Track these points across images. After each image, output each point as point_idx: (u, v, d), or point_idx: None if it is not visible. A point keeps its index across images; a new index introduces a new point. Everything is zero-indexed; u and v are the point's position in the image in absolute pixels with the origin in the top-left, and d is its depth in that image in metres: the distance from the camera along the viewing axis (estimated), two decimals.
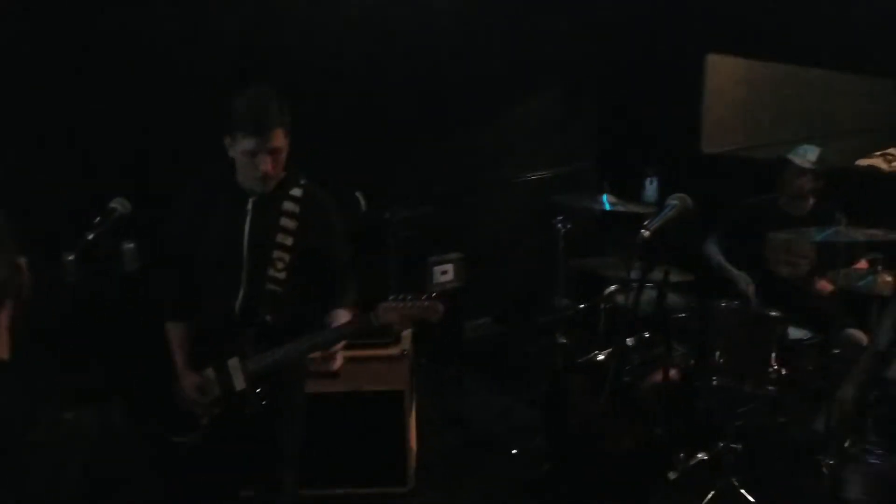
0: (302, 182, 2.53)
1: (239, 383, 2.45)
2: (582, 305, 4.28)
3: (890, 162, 4.54)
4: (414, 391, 3.61)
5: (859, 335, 3.59)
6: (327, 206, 2.58)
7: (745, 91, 5.12)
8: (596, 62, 5.10)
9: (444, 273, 4.41)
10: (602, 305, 3.99)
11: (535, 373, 4.31)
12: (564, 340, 4.11)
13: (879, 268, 3.36)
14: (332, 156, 3.94)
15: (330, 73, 4.05)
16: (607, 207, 3.98)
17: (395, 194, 4.17)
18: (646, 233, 2.33)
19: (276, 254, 2.45)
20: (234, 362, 2.45)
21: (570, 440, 3.54)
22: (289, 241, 2.46)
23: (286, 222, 2.47)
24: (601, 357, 3.66)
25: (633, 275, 2.79)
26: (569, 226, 4.09)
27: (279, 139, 2.37)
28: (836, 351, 3.36)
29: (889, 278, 3.39)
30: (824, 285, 3.66)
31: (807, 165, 3.80)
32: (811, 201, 3.91)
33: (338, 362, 2.51)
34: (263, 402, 2.46)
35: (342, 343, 2.49)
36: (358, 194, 3.69)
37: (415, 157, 4.41)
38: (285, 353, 2.44)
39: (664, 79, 5.00)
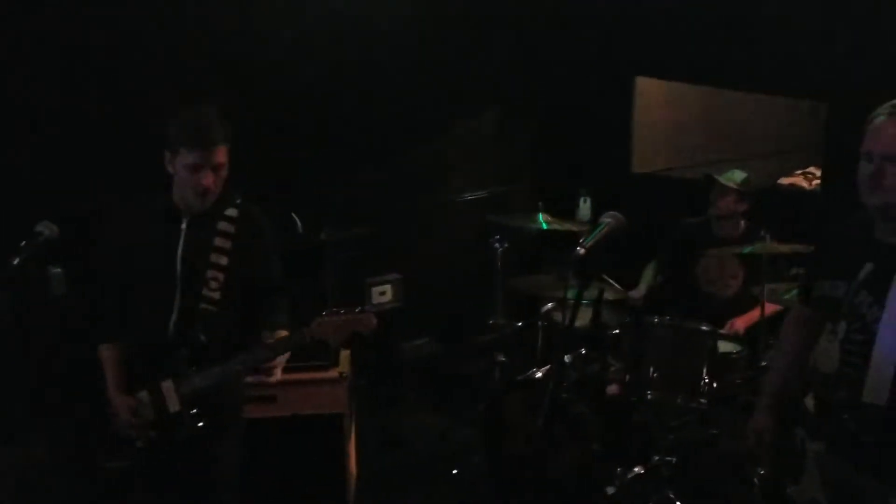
0: (237, 202, 2.52)
1: (173, 405, 2.40)
2: (520, 324, 4.33)
3: (811, 180, 4.73)
4: (353, 413, 3.58)
5: None
6: (262, 227, 2.57)
7: (673, 113, 5.28)
8: (530, 84, 5.19)
9: (383, 294, 4.40)
10: (539, 323, 4.03)
11: (474, 392, 4.32)
12: (503, 359, 4.14)
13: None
14: (268, 176, 3.91)
15: (267, 94, 4.02)
16: (543, 226, 4.05)
17: (332, 215, 4.15)
18: (581, 250, 2.37)
19: (211, 273, 2.43)
20: (167, 384, 2.40)
21: (510, 459, 3.56)
22: (223, 260, 2.44)
23: (221, 242, 2.45)
24: (539, 375, 3.70)
25: (569, 292, 2.84)
26: (506, 245, 4.14)
27: (222, 155, 2.37)
28: (763, 363, 3.47)
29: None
30: (738, 326, 3.77)
31: (731, 185, 3.93)
32: (742, 224, 4.03)
33: (277, 375, 2.50)
34: (199, 424, 2.42)
35: (283, 357, 2.47)
36: (294, 215, 3.66)
37: (352, 178, 4.40)
38: (220, 373, 2.41)
39: (596, 101, 5.12)
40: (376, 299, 4.37)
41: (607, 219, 2.52)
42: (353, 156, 4.38)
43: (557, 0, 5.08)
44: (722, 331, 3.68)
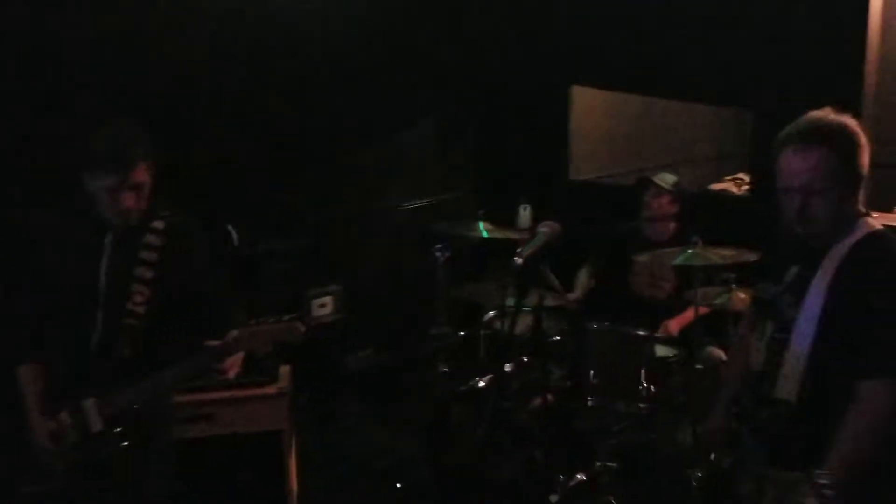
0: (164, 214, 2.46)
1: (96, 424, 2.32)
2: (462, 333, 4.33)
3: (740, 186, 4.86)
4: (294, 429, 3.53)
5: (718, 352, 3.82)
6: (192, 238, 2.52)
7: (608, 121, 5.38)
8: (470, 93, 5.22)
9: (323, 306, 4.35)
10: (481, 332, 4.05)
11: (418, 404, 4.31)
12: (446, 369, 4.14)
13: (734, 286, 3.60)
14: (202, 187, 3.83)
15: (200, 101, 3.93)
16: (484, 235, 4.07)
17: (269, 226, 4.09)
18: (518, 260, 2.40)
19: (136, 287, 2.37)
20: (89, 403, 2.32)
21: (454, 470, 3.56)
22: (149, 274, 2.39)
23: (147, 255, 2.40)
24: (482, 384, 3.71)
25: (509, 300, 2.86)
26: (448, 254, 4.15)
27: (141, 174, 2.31)
28: (699, 367, 3.55)
29: (743, 296, 3.64)
30: (672, 327, 3.85)
31: (666, 186, 4.04)
32: (672, 226, 4.13)
33: (233, 370, 2.44)
34: (125, 444, 2.34)
35: (234, 358, 2.41)
36: (229, 227, 3.60)
37: (290, 188, 4.33)
38: (145, 389, 2.34)
39: (534, 109, 5.18)
40: (317, 312, 4.32)
41: (544, 228, 2.57)
42: (291, 166, 4.33)
43: (496, 11, 5.12)
44: (656, 333, 3.75)
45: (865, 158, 2.11)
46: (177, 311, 2.45)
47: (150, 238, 2.41)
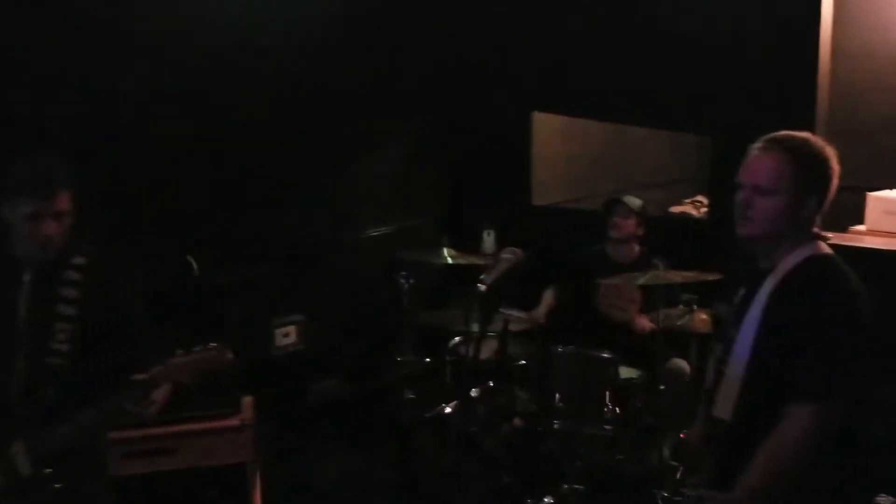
0: (85, 249, 2.42)
1: (25, 468, 2.24)
2: (428, 359, 4.32)
3: (699, 208, 4.95)
4: (259, 462, 3.47)
5: (681, 363, 3.87)
6: (115, 273, 2.48)
7: (569, 147, 5.46)
8: (433, 121, 5.26)
9: (287, 336, 4.32)
10: (447, 358, 4.04)
11: (385, 431, 4.27)
12: (412, 396, 4.12)
13: (695, 307, 3.66)
14: (161, 217, 3.79)
15: (161, 129, 3.88)
16: (448, 261, 4.08)
17: (231, 256, 4.05)
18: (482, 287, 2.42)
19: (58, 325, 2.32)
20: (17, 446, 2.24)
21: (422, 497, 3.53)
22: (71, 311, 2.34)
23: (67, 292, 2.35)
24: (448, 410, 3.70)
25: (474, 327, 2.86)
26: (412, 281, 4.15)
27: (64, 202, 2.28)
28: (662, 387, 3.59)
29: (704, 316, 3.70)
30: (644, 324, 3.92)
31: (634, 207, 4.13)
32: (636, 249, 4.20)
33: (155, 407, 2.36)
34: (56, 486, 2.27)
35: (161, 392, 2.35)
36: (189, 258, 3.56)
37: (252, 216, 4.29)
38: (73, 428, 2.27)
39: (496, 136, 5.24)
40: (280, 342, 4.28)
41: (507, 255, 2.60)
42: (254, 194, 4.29)
43: (458, 39, 5.18)
44: (635, 327, 3.87)
45: (828, 183, 2.08)
46: (101, 348, 2.38)
47: (71, 274, 2.36)
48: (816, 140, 2.11)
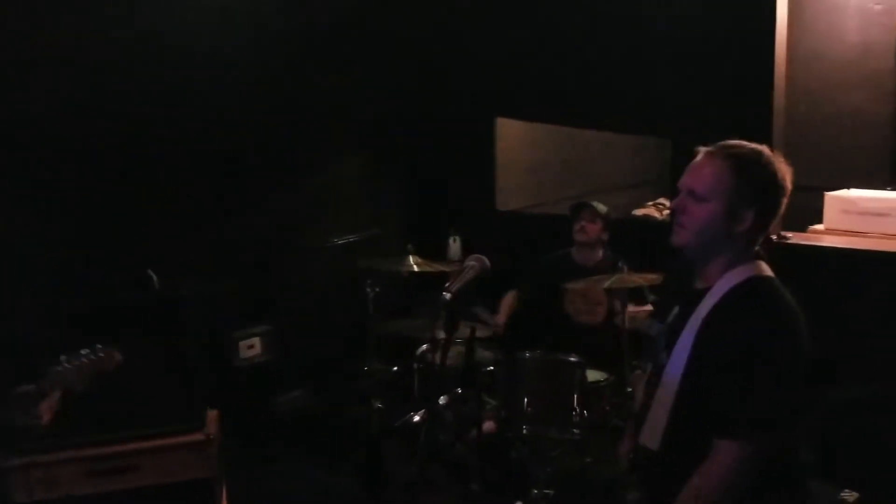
0: None
1: None
2: (395, 368, 4.29)
3: (661, 211, 4.99)
4: (224, 476, 3.41)
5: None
6: None
7: (532, 152, 5.48)
8: (396, 127, 5.24)
9: (251, 347, 4.26)
10: (415, 366, 4.02)
11: (352, 441, 4.23)
12: (380, 405, 4.09)
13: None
14: (119, 230, 3.72)
15: (117, 139, 3.81)
16: (414, 268, 4.06)
17: (193, 268, 3.98)
18: (448, 295, 2.40)
19: None
20: None
21: None
22: None
23: None
24: (416, 418, 3.68)
25: (440, 334, 2.85)
26: (377, 289, 4.12)
27: None
28: (629, 389, 3.60)
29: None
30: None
31: (601, 211, 4.18)
32: (600, 252, 4.22)
33: (46, 418, 2.31)
34: None
35: (49, 401, 2.28)
36: (150, 271, 3.49)
37: (214, 227, 4.24)
38: None
39: (460, 142, 5.24)
40: (245, 353, 4.22)
41: (472, 262, 2.58)
42: (216, 204, 4.24)
43: (419, 45, 5.18)
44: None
45: (771, 199, 1.97)
46: None
47: None
48: (769, 154, 1.98)
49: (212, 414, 3.34)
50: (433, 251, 4.63)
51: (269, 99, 4.45)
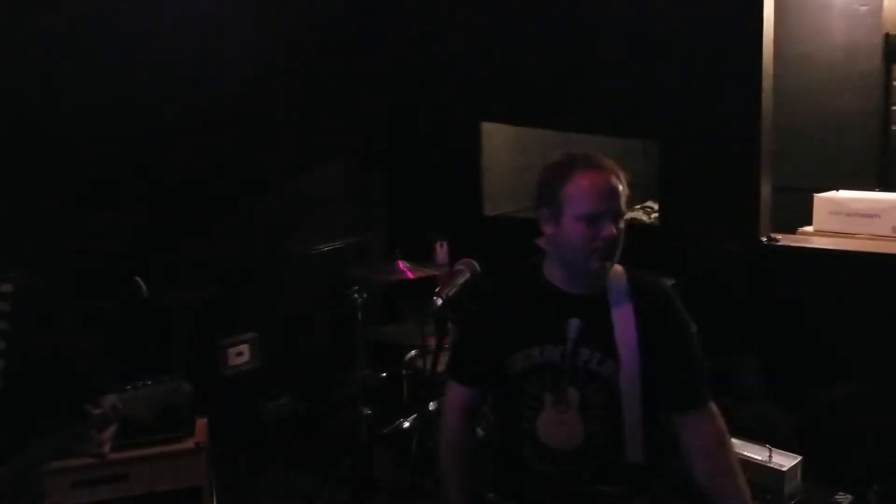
0: (11, 276, 2.30)
1: None
2: (384, 374, 4.27)
3: (649, 214, 5.00)
4: (214, 484, 3.38)
5: None
6: (47, 300, 2.35)
7: (517, 156, 5.47)
8: (380, 132, 5.22)
9: (240, 355, 4.22)
10: (403, 372, 4.00)
11: (342, 448, 4.20)
12: (369, 412, 4.06)
13: None
14: (110, 239, 3.68)
15: (101, 150, 3.77)
16: (401, 274, 4.04)
17: (180, 276, 3.95)
18: (438, 301, 2.39)
19: None
20: None
21: None
22: (1, 345, 2.21)
23: None
24: (406, 425, 3.65)
25: (430, 340, 2.83)
26: (365, 295, 4.10)
27: None
28: None
29: None
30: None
31: None
32: None
33: (106, 447, 2.20)
34: None
35: (109, 431, 2.20)
36: (138, 279, 3.45)
37: (201, 235, 4.20)
38: (19, 465, 2.15)
39: (445, 146, 5.22)
40: (233, 361, 4.19)
41: (461, 266, 2.58)
42: (201, 212, 4.20)
43: (402, 49, 5.16)
44: None
45: None
46: (42, 381, 2.27)
47: None
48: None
49: (201, 422, 3.31)
50: (420, 256, 4.61)
51: (254, 106, 4.42)
